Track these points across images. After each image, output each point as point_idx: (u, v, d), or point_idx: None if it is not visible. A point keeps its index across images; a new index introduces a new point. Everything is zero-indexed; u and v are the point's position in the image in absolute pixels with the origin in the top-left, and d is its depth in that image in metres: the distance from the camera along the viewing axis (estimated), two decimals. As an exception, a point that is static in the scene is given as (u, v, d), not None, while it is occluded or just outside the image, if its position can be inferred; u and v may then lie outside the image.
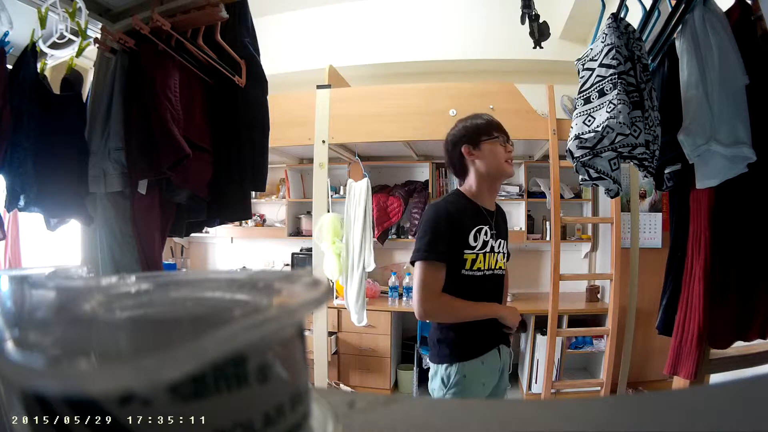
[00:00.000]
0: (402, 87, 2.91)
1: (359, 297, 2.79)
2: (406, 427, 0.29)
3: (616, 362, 2.70)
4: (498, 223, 1.37)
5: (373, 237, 2.99)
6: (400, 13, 3.55)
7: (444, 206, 1.30)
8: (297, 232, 3.78)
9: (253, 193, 2.87)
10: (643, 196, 3.10)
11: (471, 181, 1.36)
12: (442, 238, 1.25)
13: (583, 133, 1.33)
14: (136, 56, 1.37)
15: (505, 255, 1.40)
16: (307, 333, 2.68)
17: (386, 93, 2.84)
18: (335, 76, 3.01)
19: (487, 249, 1.30)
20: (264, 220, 3.90)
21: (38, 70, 1.44)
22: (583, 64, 1.43)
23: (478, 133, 1.34)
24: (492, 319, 1.32)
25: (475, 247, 1.27)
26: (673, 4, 1.37)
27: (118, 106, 1.36)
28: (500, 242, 1.36)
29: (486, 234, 1.30)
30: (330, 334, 3.08)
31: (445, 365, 1.29)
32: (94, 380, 0.15)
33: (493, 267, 1.32)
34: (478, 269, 1.28)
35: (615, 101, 1.26)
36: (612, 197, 1.46)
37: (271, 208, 3.92)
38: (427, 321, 1.29)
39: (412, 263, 1.29)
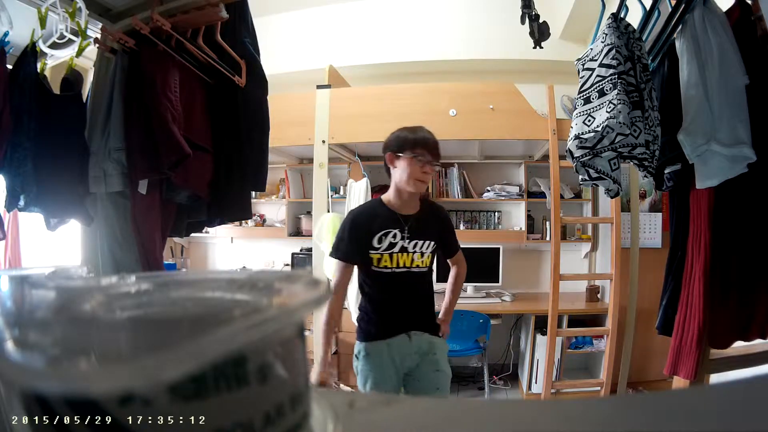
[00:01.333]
0: (402, 87, 2.91)
1: (359, 296, 2.79)
2: (406, 427, 0.29)
3: (616, 362, 2.70)
4: (417, 226, 1.50)
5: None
6: (400, 13, 3.55)
7: (352, 215, 1.53)
8: (297, 232, 3.78)
9: (253, 193, 2.88)
10: (643, 196, 3.10)
11: (391, 187, 1.53)
12: (344, 241, 1.48)
13: (583, 133, 1.33)
14: (136, 56, 1.37)
15: (425, 254, 1.52)
16: (307, 333, 2.68)
17: (386, 93, 2.84)
18: (335, 76, 3.01)
19: (395, 250, 1.47)
20: (264, 220, 3.90)
21: (38, 70, 1.44)
22: (583, 64, 1.43)
23: (402, 146, 1.47)
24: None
25: (379, 248, 1.47)
26: (673, 4, 1.37)
27: (118, 106, 1.36)
28: (416, 243, 1.50)
29: (395, 237, 1.48)
30: (330, 334, 3.07)
31: (357, 342, 1.54)
32: (94, 380, 0.15)
33: (407, 265, 1.49)
34: (385, 267, 1.48)
35: (615, 101, 1.26)
36: (612, 197, 1.46)
37: (271, 208, 3.92)
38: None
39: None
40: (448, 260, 1.70)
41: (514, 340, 3.39)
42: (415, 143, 1.46)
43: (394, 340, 1.51)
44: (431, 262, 1.55)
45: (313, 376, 1.51)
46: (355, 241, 1.48)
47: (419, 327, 1.55)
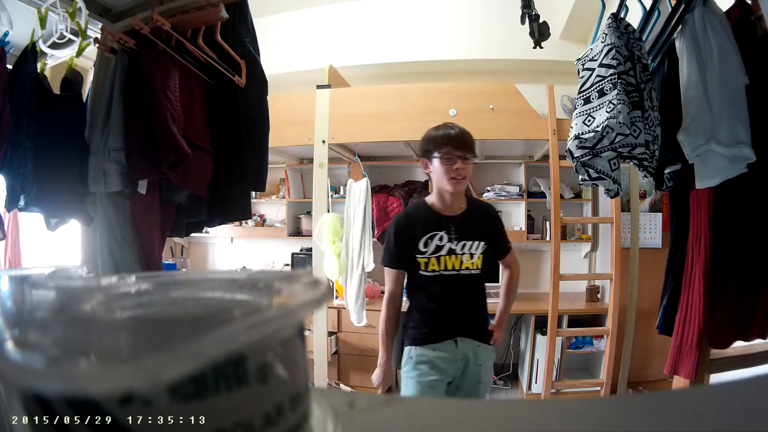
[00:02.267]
0: (402, 87, 2.91)
1: (359, 297, 2.79)
2: (406, 427, 0.29)
3: (616, 362, 2.69)
4: (464, 226, 1.46)
5: (373, 237, 2.99)
6: (400, 13, 3.55)
7: (397, 220, 1.49)
8: (297, 232, 3.78)
9: (253, 193, 2.88)
10: (643, 196, 3.10)
11: (433, 189, 1.50)
12: (391, 247, 1.47)
13: (582, 133, 1.33)
14: (136, 56, 1.37)
15: (474, 255, 1.46)
16: (307, 333, 2.68)
17: (386, 93, 2.84)
18: (335, 76, 3.01)
19: (442, 252, 1.43)
20: (264, 220, 3.90)
21: (38, 70, 1.44)
22: (583, 64, 1.43)
23: (428, 149, 1.45)
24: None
25: (426, 252, 1.43)
26: (673, 4, 1.37)
27: (118, 106, 1.36)
28: (465, 244, 1.45)
29: (441, 239, 1.43)
30: (330, 334, 3.08)
31: (405, 346, 1.50)
32: (94, 380, 0.15)
33: (456, 268, 1.44)
34: (433, 270, 1.44)
35: (615, 101, 1.26)
36: (612, 197, 1.46)
37: (271, 208, 3.92)
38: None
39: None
40: (499, 262, 1.65)
41: (514, 340, 3.39)
42: (437, 143, 1.43)
43: (440, 346, 1.46)
44: (483, 264, 1.49)
45: (375, 380, 1.53)
46: (401, 246, 1.45)
47: (467, 333, 1.48)
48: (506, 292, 1.65)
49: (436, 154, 1.42)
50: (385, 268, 1.51)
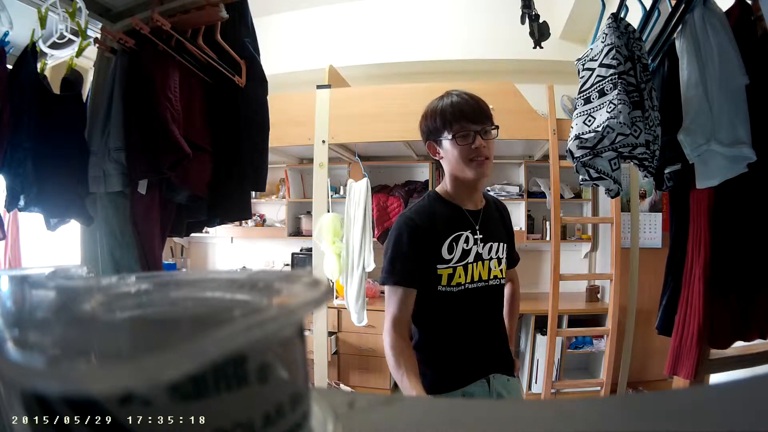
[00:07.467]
0: (402, 87, 2.91)
1: (359, 297, 2.79)
2: (406, 427, 0.29)
3: (616, 362, 2.69)
4: (488, 223, 1.16)
5: (374, 237, 2.99)
6: (400, 13, 3.55)
7: (409, 217, 1.11)
8: (297, 232, 3.78)
9: (253, 193, 2.88)
10: (643, 196, 3.10)
11: (446, 180, 1.17)
12: (404, 257, 1.07)
13: (583, 133, 1.33)
14: (136, 56, 1.37)
15: (502, 260, 1.17)
16: (307, 333, 2.68)
17: (386, 93, 2.84)
18: (335, 76, 3.01)
19: (469, 259, 1.10)
20: (264, 220, 3.91)
21: (38, 70, 1.44)
22: (583, 64, 1.43)
23: (435, 128, 1.13)
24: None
25: (451, 259, 1.08)
26: (673, 4, 1.38)
27: (118, 106, 1.36)
28: (491, 246, 1.14)
29: (467, 241, 1.11)
30: (330, 334, 3.08)
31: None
32: (94, 380, 0.15)
33: (483, 278, 1.12)
34: (458, 284, 1.09)
35: (615, 101, 1.26)
36: (612, 197, 1.46)
37: (271, 208, 3.92)
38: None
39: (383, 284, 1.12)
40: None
41: (514, 341, 3.39)
42: (444, 118, 1.10)
43: (471, 389, 1.09)
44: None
45: None
46: (419, 253, 1.07)
47: (499, 366, 1.16)
48: (511, 310, 1.35)
49: (446, 134, 1.10)
50: (389, 288, 1.07)
